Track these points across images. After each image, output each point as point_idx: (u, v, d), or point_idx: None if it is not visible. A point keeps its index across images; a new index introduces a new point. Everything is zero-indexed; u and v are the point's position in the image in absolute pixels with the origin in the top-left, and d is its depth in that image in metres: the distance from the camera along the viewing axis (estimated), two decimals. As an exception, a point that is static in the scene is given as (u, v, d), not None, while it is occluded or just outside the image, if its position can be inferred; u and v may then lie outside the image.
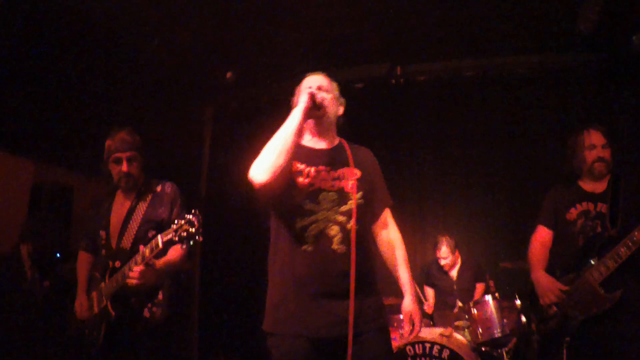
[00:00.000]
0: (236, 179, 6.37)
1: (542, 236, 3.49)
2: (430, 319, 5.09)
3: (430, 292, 5.48)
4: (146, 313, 3.04)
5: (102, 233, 3.23)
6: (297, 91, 2.68)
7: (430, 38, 5.48)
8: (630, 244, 2.95)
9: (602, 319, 3.01)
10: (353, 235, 2.31)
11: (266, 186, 2.25)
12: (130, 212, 3.17)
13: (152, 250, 2.82)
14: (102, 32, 4.64)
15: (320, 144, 2.58)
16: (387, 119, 6.22)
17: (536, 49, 5.65)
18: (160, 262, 3.01)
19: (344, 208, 2.37)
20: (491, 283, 5.04)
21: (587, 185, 3.37)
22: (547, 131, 5.29)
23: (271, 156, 2.27)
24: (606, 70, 5.56)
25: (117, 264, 3.03)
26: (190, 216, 2.76)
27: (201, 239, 2.81)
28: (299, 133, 2.35)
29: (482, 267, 5.32)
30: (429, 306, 5.33)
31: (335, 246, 2.30)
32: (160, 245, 2.79)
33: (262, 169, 2.26)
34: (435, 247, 5.35)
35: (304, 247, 2.31)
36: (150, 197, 3.23)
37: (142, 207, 3.17)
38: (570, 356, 3.13)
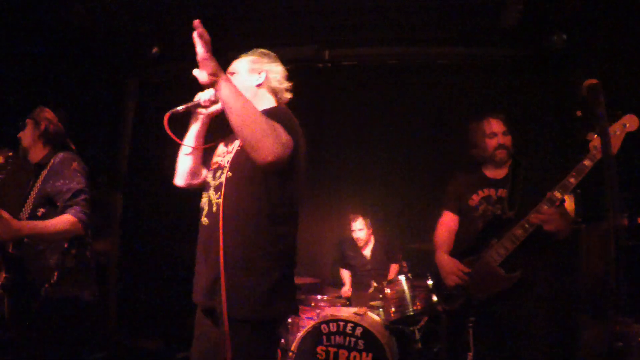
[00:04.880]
0: (160, 155, 6.31)
1: (447, 221, 3.61)
2: (347, 300, 5.18)
3: (346, 274, 5.59)
4: (42, 292, 2.95)
5: None
6: None
7: (358, 24, 5.51)
8: (527, 226, 3.08)
9: (503, 299, 3.14)
10: (221, 210, 2.25)
11: (185, 188, 2.58)
12: (31, 187, 3.10)
13: None
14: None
15: None
16: (312, 102, 6.27)
17: (460, 41, 5.80)
18: (26, 223, 2.89)
19: (216, 182, 2.37)
20: (404, 264, 5.18)
21: (490, 172, 3.49)
22: (464, 119, 5.45)
23: (179, 163, 2.57)
24: (526, 65, 5.78)
25: None
26: None
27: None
28: (198, 138, 2.55)
29: (396, 248, 5.45)
30: (345, 291, 5.42)
31: (202, 219, 2.39)
32: None
33: (176, 174, 2.59)
34: (350, 222, 5.46)
35: (200, 220, 2.43)
36: (45, 172, 3.13)
37: (37, 183, 3.09)
38: (475, 335, 3.25)
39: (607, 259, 1.86)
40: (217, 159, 2.50)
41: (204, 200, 2.41)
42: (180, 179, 2.58)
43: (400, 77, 6.09)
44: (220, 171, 2.38)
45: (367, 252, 5.44)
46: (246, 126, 2.04)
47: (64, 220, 2.92)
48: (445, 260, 3.42)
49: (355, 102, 6.27)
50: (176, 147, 2.56)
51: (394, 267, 5.35)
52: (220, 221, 2.22)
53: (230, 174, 2.31)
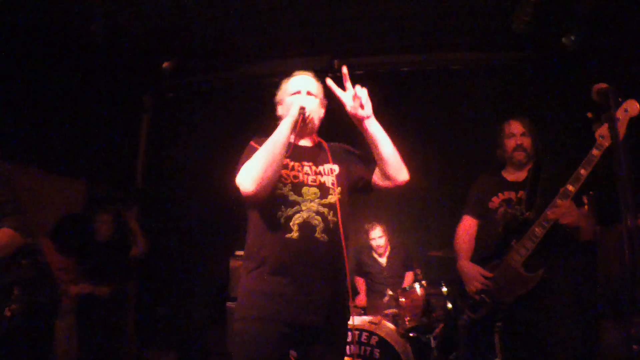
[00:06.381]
0: (177, 170, 6.37)
1: (467, 225, 3.61)
2: (362, 309, 5.14)
3: (360, 281, 5.54)
4: (7, 312, 2.82)
5: None
6: (283, 87, 2.75)
7: (368, 33, 5.53)
8: (544, 223, 3.07)
9: (529, 300, 3.13)
10: (341, 228, 2.42)
11: (254, 196, 2.35)
12: None
13: None
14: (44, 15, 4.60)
15: (303, 142, 2.69)
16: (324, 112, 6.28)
17: (471, 46, 5.79)
18: None
19: (325, 201, 2.46)
20: (418, 271, 5.15)
21: (510, 175, 3.50)
22: (478, 124, 5.43)
23: (260, 168, 2.32)
24: (538, 68, 5.74)
25: None
26: None
27: None
28: (288, 145, 2.41)
29: (411, 256, 5.43)
30: (360, 299, 5.39)
31: (318, 235, 2.39)
32: None
33: (250, 179, 2.32)
34: (368, 230, 5.42)
35: (289, 235, 2.38)
36: None
37: None
38: (502, 340, 3.22)
39: (623, 261, 1.84)
40: (297, 174, 2.53)
41: (306, 215, 2.41)
42: (257, 184, 2.31)
43: (412, 84, 6.09)
44: (313, 189, 2.49)
45: (384, 259, 5.41)
46: (395, 152, 2.46)
47: (2, 235, 2.82)
48: (467, 267, 3.41)
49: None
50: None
51: (409, 275, 5.32)
52: (343, 239, 2.43)
53: (340, 196, 2.51)
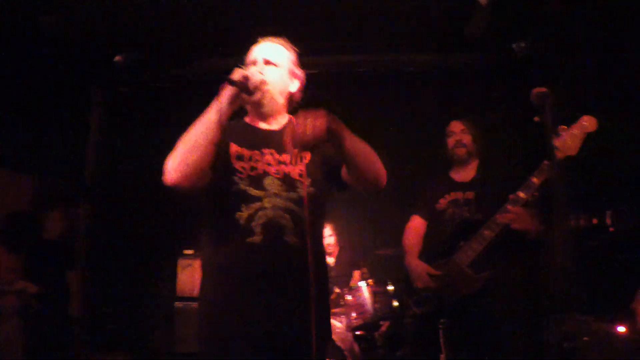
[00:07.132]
0: (127, 166, 6.25)
1: (415, 225, 3.67)
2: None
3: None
4: None
5: None
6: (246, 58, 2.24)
7: (323, 32, 5.53)
8: (493, 226, 3.15)
9: (475, 300, 3.20)
10: (307, 227, 2.02)
11: (175, 187, 1.93)
12: None
13: None
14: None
15: (264, 125, 2.24)
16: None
17: (424, 48, 5.85)
18: None
19: (293, 196, 2.06)
20: (364, 269, 5.16)
21: (457, 175, 3.58)
22: (428, 125, 5.49)
23: (182, 154, 1.93)
24: (490, 72, 5.85)
25: None
26: None
27: None
28: (219, 128, 1.94)
29: (358, 255, 5.44)
30: None
31: (287, 237, 2.01)
32: None
33: (171, 166, 1.93)
34: None
35: (250, 239, 1.98)
36: None
37: None
38: (447, 337, 3.26)
39: (559, 261, 1.89)
40: (255, 164, 2.11)
41: (271, 214, 2.00)
42: (177, 173, 1.92)
43: (366, 84, 6.12)
44: (277, 181, 2.08)
45: (332, 259, 5.40)
46: (371, 163, 2.02)
47: None
48: (414, 264, 3.47)
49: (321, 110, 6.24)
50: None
51: (356, 274, 5.32)
52: (309, 241, 2.01)
53: (311, 189, 2.09)
